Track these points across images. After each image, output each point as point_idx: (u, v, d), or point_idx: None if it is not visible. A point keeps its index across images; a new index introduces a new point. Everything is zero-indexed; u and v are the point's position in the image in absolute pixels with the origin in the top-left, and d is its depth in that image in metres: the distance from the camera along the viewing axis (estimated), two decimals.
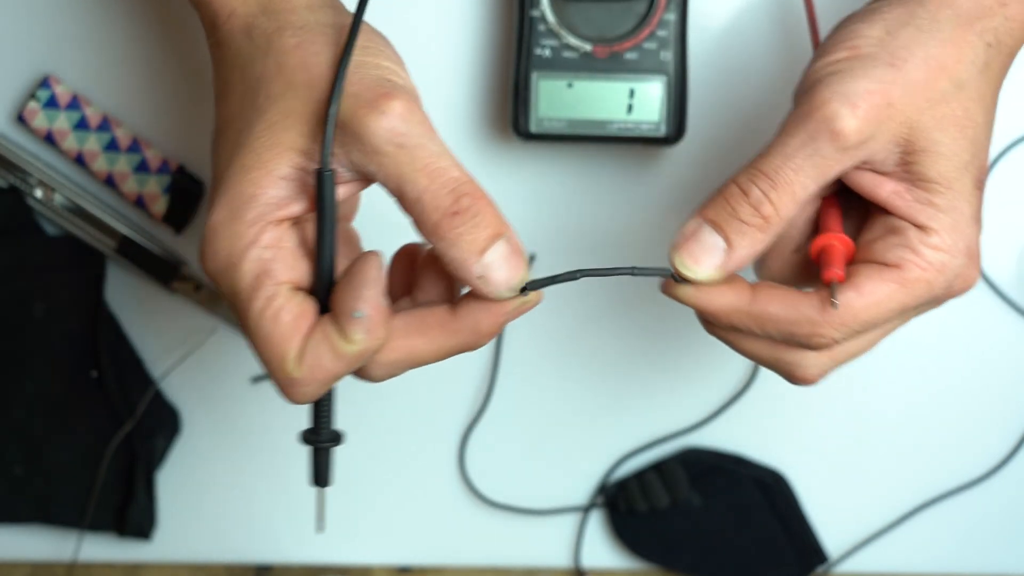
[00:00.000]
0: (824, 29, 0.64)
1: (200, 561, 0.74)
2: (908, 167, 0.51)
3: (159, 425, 0.71)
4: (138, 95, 0.68)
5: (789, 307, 0.51)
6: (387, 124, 0.47)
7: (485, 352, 0.72)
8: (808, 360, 0.53)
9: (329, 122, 0.47)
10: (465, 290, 0.51)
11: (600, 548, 0.74)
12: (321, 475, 0.53)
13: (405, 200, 0.48)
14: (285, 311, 0.48)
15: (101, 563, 0.74)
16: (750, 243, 0.50)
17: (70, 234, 0.68)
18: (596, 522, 0.74)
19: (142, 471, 0.71)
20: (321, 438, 0.52)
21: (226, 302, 0.49)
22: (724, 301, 0.51)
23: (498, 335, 0.71)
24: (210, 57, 0.53)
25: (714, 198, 0.51)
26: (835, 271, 0.50)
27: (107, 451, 0.70)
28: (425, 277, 0.52)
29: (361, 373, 0.51)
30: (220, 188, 0.49)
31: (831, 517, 0.73)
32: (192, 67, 0.68)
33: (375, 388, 0.72)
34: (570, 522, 0.74)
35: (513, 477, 0.73)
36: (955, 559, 0.74)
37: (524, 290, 0.50)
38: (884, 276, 0.50)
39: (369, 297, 0.48)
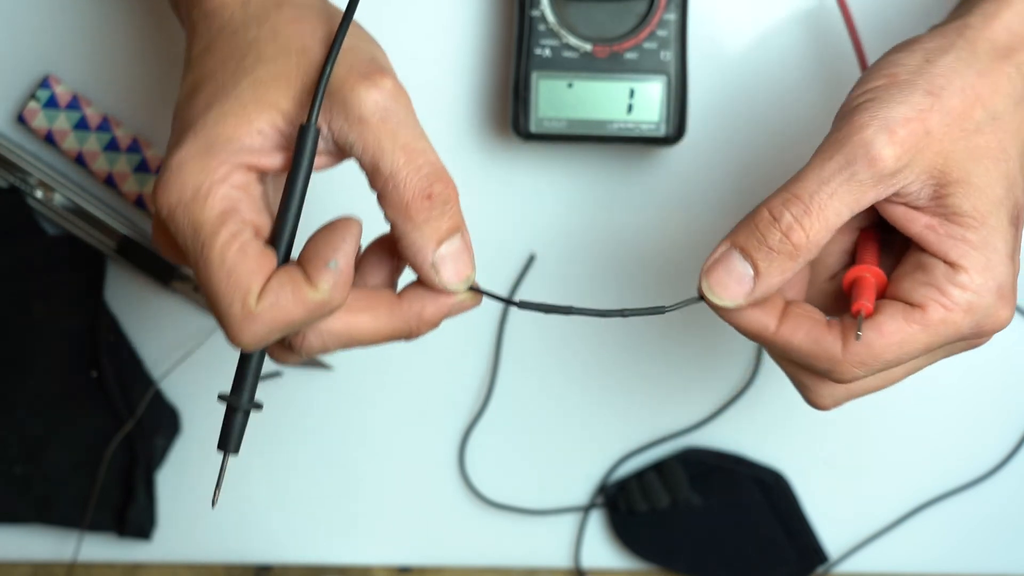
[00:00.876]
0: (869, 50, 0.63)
1: (200, 561, 0.74)
2: (942, 200, 0.50)
3: (159, 425, 0.71)
4: (138, 95, 0.68)
5: (812, 341, 0.50)
6: (377, 96, 0.48)
7: (485, 352, 0.72)
8: (824, 389, 0.53)
9: (324, 76, 0.48)
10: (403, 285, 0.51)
11: (600, 548, 0.74)
12: (231, 440, 0.50)
13: (378, 175, 0.48)
14: (251, 246, 0.47)
15: (101, 563, 0.74)
16: (779, 271, 0.50)
17: (70, 234, 0.68)
18: (596, 522, 0.74)
19: (142, 471, 0.71)
20: (241, 401, 0.50)
21: (179, 238, 0.48)
22: (751, 323, 0.51)
23: (497, 337, 0.71)
24: (187, 28, 0.53)
25: (744, 223, 0.51)
26: (863, 303, 0.50)
27: (107, 451, 0.70)
28: (370, 263, 0.52)
29: (295, 341, 0.50)
30: (191, 129, 0.48)
31: (831, 517, 0.74)
32: None
33: (374, 388, 0.72)
34: (570, 522, 0.74)
35: (513, 477, 0.73)
36: (955, 559, 0.74)
37: (507, 303, 0.50)
38: (908, 317, 0.50)
39: (347, 251, 0.48)
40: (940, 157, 0.50)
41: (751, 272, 0.50)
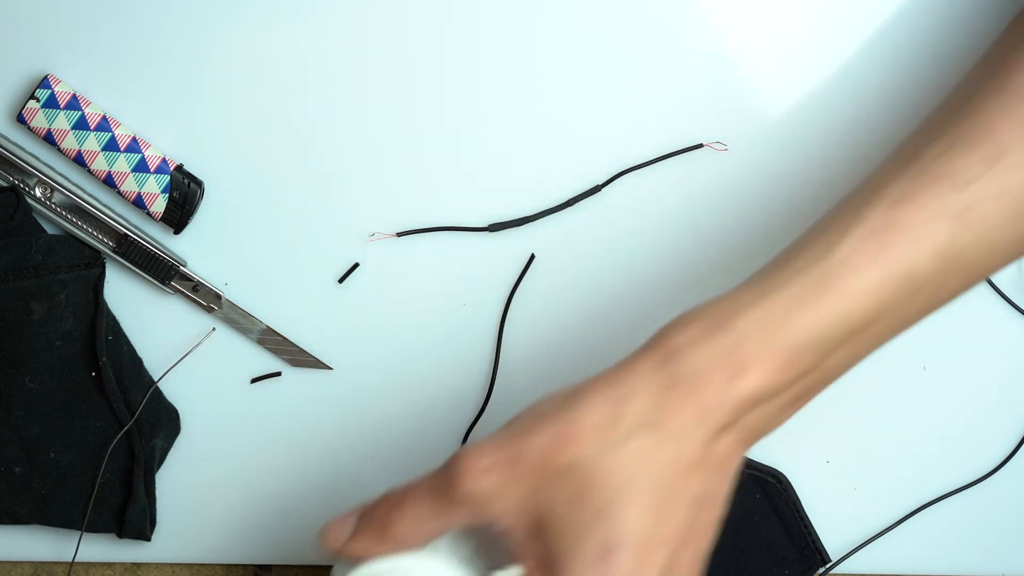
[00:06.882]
0: None
1: (199, 561, 0.74)
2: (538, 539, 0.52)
3: (159, 425, 0.71)
4: (138, 95, 0.68)
5: None
6: None
7: (485, 351, 0.72)
8: None
9: None
10: None
11: None
12: None
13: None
14: None
15: (100, 563, 0.74)
16: (367, 542, 0.55)
17: (70, 234, 0.68)
18: None
19: (142, 471, 0.71)
20: None
21: None
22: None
23: (497, 337, 0.71)
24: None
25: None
26: None
27: (107, 451, 0.70)
28: None
29: None
30: None
31: (831, 517, 0.73)
32: (192, 66, 0.68)
33: (374, 388, 0.72)
34: None
35: None
36: (955, 559, 0.74)
37: None
38: None
39: None
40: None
41: (350, 529, 0.55)
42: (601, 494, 0.51)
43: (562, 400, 0.54)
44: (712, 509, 0.53)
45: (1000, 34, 0.61)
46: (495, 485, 0.52)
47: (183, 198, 0.68)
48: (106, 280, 0.70)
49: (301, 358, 0.71)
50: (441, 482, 0.53)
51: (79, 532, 0.72)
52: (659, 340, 0.54)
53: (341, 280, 0.71)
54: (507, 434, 0.53)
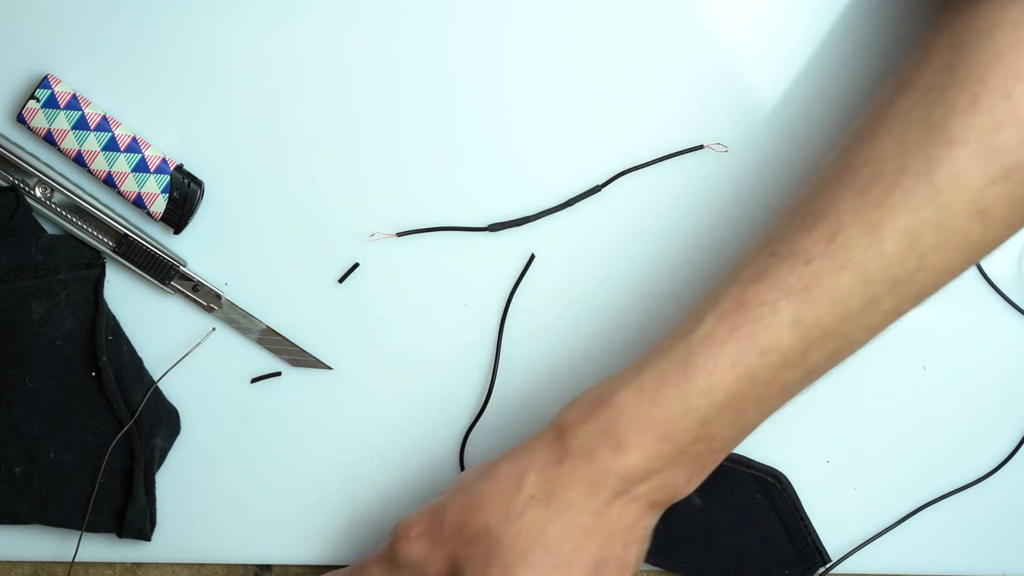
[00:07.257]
0: None
1: (199, 561, 0.74)
2: None
3: (159, 425, 0.71)
4: (138, 95, 0.68)
5: None
6: None
7: (485, 351, 0.72)
8: None
9: None
10: None
11: None
12: None
13: None
14: None
15: (100, 563, 0.74)
16: None
17: (70, 234, 0.68)
18: None
19: (142, 471, 0.71)
20: None
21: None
22: None
23: (497, 337, 0.71)
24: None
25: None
26: None
27: (107, 451, 0.70)
28: None
29: None
30: None
31: (831, 517, 0.73)
32: (192, 66, 0.68)
33: (374, 388, 0.72)
34: None
35: None
36: (955, 559, 0.74)
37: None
38: None
39: None
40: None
41: None
42: (505, 559, 0.58)
43: (478, 472, 0.61)
44: (613, 571, 0.59)
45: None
46: (425, 549, 0.60)
47: (183, 198, 0.68)
48: (106, 280, 0.70)
49: (301, 358, 0.71)
50: (388, 552, 0.61)
51: (79, 532, 0.72)
52: (556, 419, 0.60)
53: (341, 280, 0.71)
54: (436, 503, 0.61)
